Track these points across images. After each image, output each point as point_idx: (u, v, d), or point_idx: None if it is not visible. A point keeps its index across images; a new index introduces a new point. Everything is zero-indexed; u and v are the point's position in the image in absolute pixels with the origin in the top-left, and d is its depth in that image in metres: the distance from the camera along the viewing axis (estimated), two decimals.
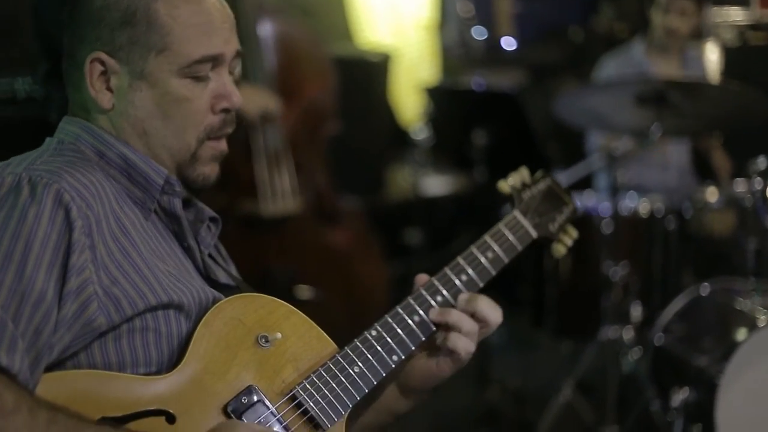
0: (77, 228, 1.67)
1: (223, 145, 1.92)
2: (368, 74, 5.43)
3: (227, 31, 1.89)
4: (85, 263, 1.67)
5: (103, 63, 1.83)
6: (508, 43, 5.32)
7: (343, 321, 4.24)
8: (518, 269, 4.82)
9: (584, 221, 4.25)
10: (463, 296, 2.03)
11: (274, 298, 1.89)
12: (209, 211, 1.99)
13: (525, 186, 2.25)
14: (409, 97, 5.60)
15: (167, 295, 1.75)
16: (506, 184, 2.24)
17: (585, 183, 4.59)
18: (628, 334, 4.15)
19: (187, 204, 1.95)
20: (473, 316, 2.01)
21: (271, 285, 4.02)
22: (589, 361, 4.22)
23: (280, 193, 4.06)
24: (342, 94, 4.46)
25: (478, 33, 5.30)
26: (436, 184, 5.28)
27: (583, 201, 4.34)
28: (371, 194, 5.28)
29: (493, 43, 5.86)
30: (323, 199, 4.23)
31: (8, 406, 1.48)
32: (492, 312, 2.04)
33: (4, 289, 1.58)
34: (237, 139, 4.04)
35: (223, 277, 1.97)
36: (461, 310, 2.01)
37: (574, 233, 2.28)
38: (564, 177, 4.30)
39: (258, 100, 3.91)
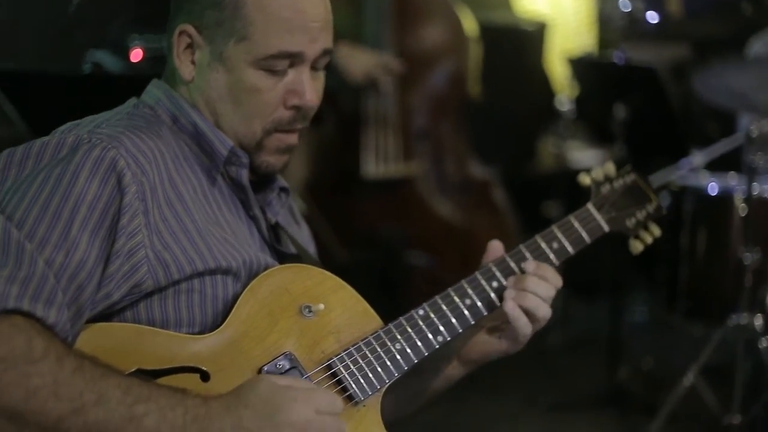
0: (130, 193, 1.74)
1: (291, 139, 1.95)
2: (522, 43, 5.39)
3: (316, 30, 1.90)
4: (137, 227, 1.74)
5: (190, 36, 1.90)
6: (652, 17, 5.19)
7: None
8: (656, 249, 4.73)
9: (721, 203, 4.13)
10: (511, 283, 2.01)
11: (325, 270, 1.93)
12: (280, 181, 2.03)
13: (607, 180, 2.22)
14: (560, 67, 5.52)
15: (215, 261, 1.81)
16: (587, 177, 2.22)
17: (731, 164, 4.44)
18: (759, 321, 4.02)
19: (254, 172, 1.99)
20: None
21: (380, 247, 4.03)
22: (718, 347, 4.12)
23: (388, 156, 4.07)
24: (493, 62, 4.43)
25: (625, 4, 5.17)
26: (581, 157, 5.20)
27: (724, 182, 4.21)
28: (519, 164, 5.24)
29: (647, 14, 5.70)
30: (448, 165, 4.21)
31: (37, 354, 1.56)
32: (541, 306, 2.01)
33: (50, 246, 1.66)
34: (347, 100, 4.10)
35: (289, 247, 2.01)
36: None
37: (656, 231, 2.26)
38: (701, 156, 4.18)
39: (367, 63, 3.92)
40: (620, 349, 4.71)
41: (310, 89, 1.92)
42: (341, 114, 4.13)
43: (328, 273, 1.92)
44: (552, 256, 2.08)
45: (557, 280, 2.03)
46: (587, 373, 4.87)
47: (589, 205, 2.17)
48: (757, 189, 3.96)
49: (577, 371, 4.95)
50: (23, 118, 3.20)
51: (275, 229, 2.03)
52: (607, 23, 5.72)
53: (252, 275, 1.86)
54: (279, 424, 1.63)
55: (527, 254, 2.05)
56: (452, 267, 4.13)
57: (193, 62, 1.91)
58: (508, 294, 2.00)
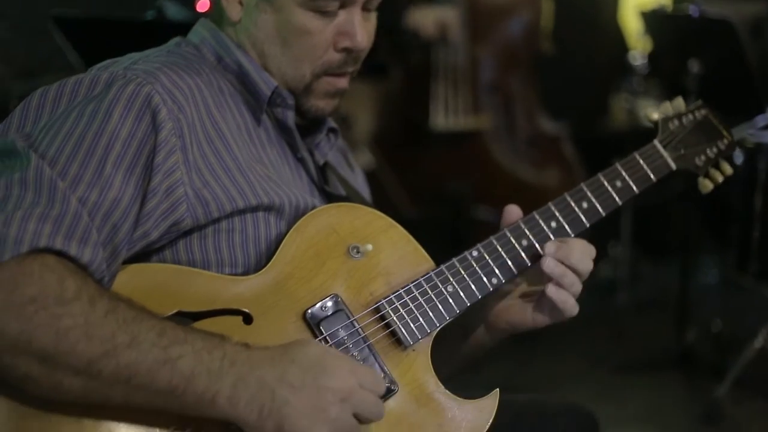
0: (165, 129, 1.69)
1: (341, 83, 1.90)
2: None
3: None
4: (175, 165, 1.69)
5: None
6: None
7: None
8: (728, 209, 4.61)
9: None
10: (551, 246, 1.89)
11: (374, 210, 1.87)
12: (329, 122, 1.98)
13: (676, 115, 2.12)
14: (634, 21, 5.38)
15: (257, 198, 1.76)
16: (655, 113, 2.12)
17: None
18: None
19: (301, 113, 1.93)
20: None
21: (448, 202, 3.96)
22: None
23: (458, 109, 4.00)
24: (565, 15, 4.33)
25: None
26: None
27: None
28: (590, 120, 5.13)
29: None
30: (518, 119, 4.14)
31: (69, 294, 1.51)
32: (582, 260, 1.90)
33: (83, 184, 1.61)
34: (417, 52, 4.03)
35: (338, 189, 1.96)
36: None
37: (728, 170, 2.13)
38: None
39: (435, 17, 3.86)
40: (689, 311, 4.61)
41: (361, 31, 1.86)
42: (410, 66, 4.07)
43: (378, 212, 1.86)
44: (615, 195, 1.99)
45: (592, 251, 1.93)
46: (655, 335, 4.77)
47: (656, 142, 2.06)
48: None
49: (645, 332, 4.85)
50: (86, 64, 3.20)
51: (324, 170, 1.98)
52: None
53: (298, 215, 1.80)
54: (321, 386, 1.57)
55: (588, 193, 1.97)
56: None
57: (240, 2, 1.86)
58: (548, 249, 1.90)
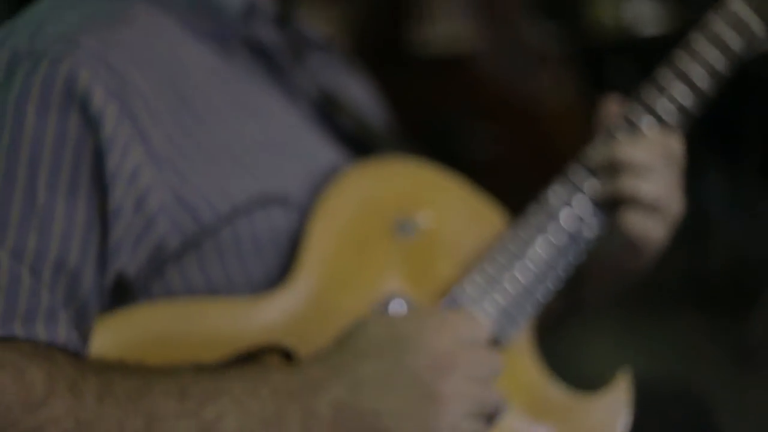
0: (108, 116, 1.17)
1: None
2: None
3: None
4: (137, 164, 1.18)
5: None
6: None
7: (528, 178, 3.74)
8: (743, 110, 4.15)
9: None
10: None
11: (411, 158, 1.39)
12: (316, 35, 1.47)
13: None
14: None
15: (259, 184, 1.27)
16: None
17: None
18: None
19: (283, 24, 1.41)
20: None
21: (437, 130, 3.56)
22: None
23: (443, 27, 3.58)
24: None
25: None
26: (646, 14, 4.64)
27: None
28: (570, 26, 4.65)
29: None
30: (511, 37, 3.72)
31: (38, 392, 1.03)
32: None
33: (11, 227, 1.11)
34: None
35: (344, 122, 1.46)
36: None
37: None
38: None
39: None
40: (704, 233, 4.12)
41: None
42: None
43: (417, 161, 1.38)
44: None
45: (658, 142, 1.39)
46: (666, 263, 4.34)
47: None
48: None
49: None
50: None
51: (324, 96, 1.46)
52: None
53: (315, 189, 1.32)
54: (411, 368, 1.12)
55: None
56: (525, 158, 3.66)
57: None
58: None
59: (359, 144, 1.44)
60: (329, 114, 1.44)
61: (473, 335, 1.17)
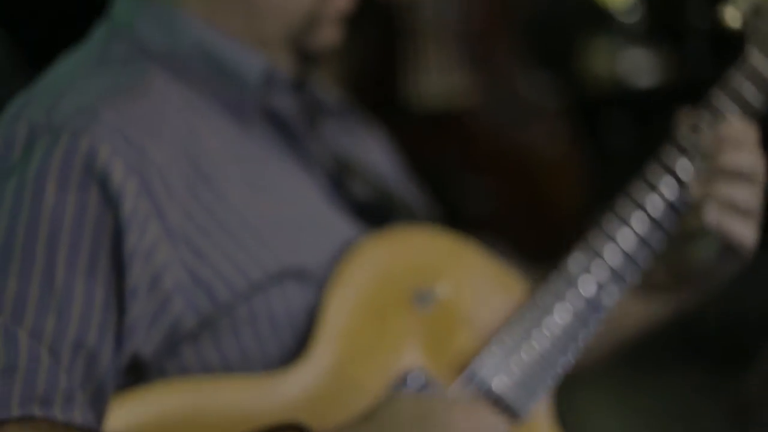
0: (128, 194, 1.15)
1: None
2: None
3: None
4: (154, 241, 1.17)
5: None
6: None
7: (522, 232, 3.71)
8: None
9: None
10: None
11: (431, 226, 1.37)
12: (333, 97, 1.46)
13: (760, 12, 1.54)
14: None
15: (278, 262, 1.24)
16: (735, 11, 1.54)
17: None
18: None
19: (300, 90, 1.40)
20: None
21: (430, 182, 3.53)
22: None
23: (444, 74, 3.56)
24: None
25: None
26: (642, 66, 4.65)
27: None
28: (564, 79, 4.65)
29: None
30: (507, 86, 3.71)
31: None
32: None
33: (31, 307, 1.09)
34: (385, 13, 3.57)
35: (360, 190, 1.44)
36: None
37: None
38: None
39: None
40: None
41: None
42: (380, 30, 3.59)
43: (437, 228, 1.37)
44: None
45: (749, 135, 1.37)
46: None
47: (754, 51, 1.43)
48: None
49: None
50: None
51: (339, 165, 1.44)
52: None
53: (333, 260, 1.29)
54: None
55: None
56: (520, 211, 3.64)
57: None
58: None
59: (376, 212, 1.42)
60: (345, 182, 1.42)
61: (495, 428, 1.17)
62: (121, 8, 1.33)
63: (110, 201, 1.14)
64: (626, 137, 4.45)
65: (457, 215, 3.47)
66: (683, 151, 1.39)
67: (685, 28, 3.81)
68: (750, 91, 1.43)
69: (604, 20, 4.62)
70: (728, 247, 1.35)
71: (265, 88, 1.32)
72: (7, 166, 1.15)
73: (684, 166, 1.37)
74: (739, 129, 1.36)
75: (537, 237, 3.69)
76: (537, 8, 3.92)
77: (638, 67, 4.59)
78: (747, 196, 1.33)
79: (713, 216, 1.32)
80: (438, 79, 3.61)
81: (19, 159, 1.15)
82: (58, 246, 1.11)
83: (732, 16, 1.52)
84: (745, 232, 1.34)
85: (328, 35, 1.36)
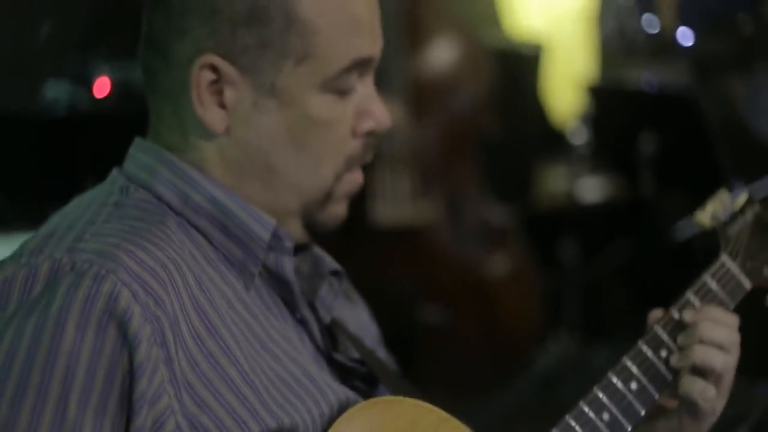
0: (143, 340, 1.22)
1: (360, 177, 1.48)
2: (519, 68, 4.96)
3: (377, 24, 1.43)
4: (161, 387, 1.23)
5: (216, 70, 1.37)
6: (685, 35, 4.78)
7: (480, 351, 3.80)
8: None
9: None
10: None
11: (417, 402, 1.43)
12: (330, 262, 1.52)
13: (732, 217, 1.71)
14: (563, 93, 5.09)
15: (275, 419, 1.30)
16: (706, 215, 1.70)
17: None
18: None
19: (300, 251, 1.48)
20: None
21: (389, 304, 3.60)
22: None
23: (400, 200, 3.63)
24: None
25: (648, 24, 4.79)
26: (593, 189, 4.78)
27: None
28: (518, 200, 4.81)
29: (659, 34, 5.32)
30: (464, 209, 3.79)
31: None
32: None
33: None
34: None
35: (350, 352, 1.52)
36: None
37: None
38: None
39: None
40: None
41: (382, 105, 1.45)
42: None
43: (423, 404, 1.43)
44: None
45: (730, 319, 1.58)
46: None
47: (724, 257, 1.64)
48: None
49: None
50: None
51: (330, 329, 1.52)
52: (606, 43, 5.32)
53: (324, 424, 1.36)
54: None
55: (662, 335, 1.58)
56: (474, 325, 3.72)
57: (222, 105, 1.39)
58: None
59: (364, 376, 1.50)
60: (337, 344, 1.50)
61: None
62: (141, 160, 1.41)
63: (127, 345, 1.21)
64: (578, 257, 4.57)
65: (414, 329, 3.55)
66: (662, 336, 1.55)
67: (631, 153, 3.96)
68: (721, 293, 1.58)
69: (558, 145, 4.76)
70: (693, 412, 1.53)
71: (270, 248, 1.40)
72: (29, 300, 1.21)
73: (663, 345, 1.53)
74: (718, 311, 1.56)
75: (493, 353, 3.78)
76: (494, 134, 4.03)
77: (590, 189, 4.73)
78: (721, 364, 1.51)
79: (688, 386, 1.50)
80: (395, 201, 3.69)
81: (39, 294, 1.22)
82: (73, 384, 1.18)
83: (702, 220, 1.67)
84: (708, 397, 1.52)
85: (337, 211, 1.46)
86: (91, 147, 3.06)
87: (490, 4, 5.33)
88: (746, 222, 1.70)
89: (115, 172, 1.44)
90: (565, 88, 5.17)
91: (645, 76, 3.96)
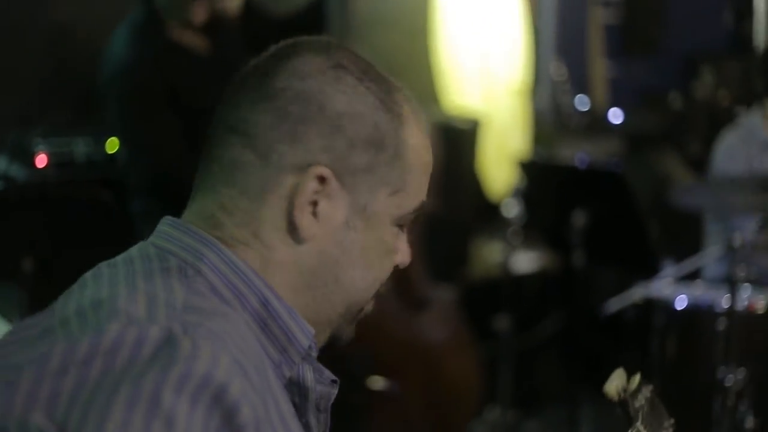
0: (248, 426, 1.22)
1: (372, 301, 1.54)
2: (455, 142, 5.06)
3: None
4: None
5: (323, 181, 1.39)
6: (615, 114, 4.93)
7: (423, 417, 3.87)
8: (618, 359, 4.39)
9: (694, 316, 3.84)
10: None
11: None
12: (328, 372, 1.54)
13: (633, 392, 1.82)
14: (498, 167, 5.21)
15: None
16: (615, 388, 1.80)
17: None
18: None
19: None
20: None
21: (345, 374, 3.64)
22: None
23: None
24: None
25: (580, 102, 4.93)
26: (526, 262, 4.88)
27: (693, 292, 3.92)
28: (454, 273, 4.91)
29: (592, 111, 5.48)
30: (408, 282, 3.86)
31: None
32: None
33: None
34: None
35: None
36: None
37: None
38: (676, 270, 3.90)
39: None
40: None
41: (407, 246, 1.53)
42: None
43: None
44: None
45: None
46: None
47: (640, 427, 1.70)
48: (740, 302, 3.66)
49: None
50: None
51: None
52: (541, 118, 5.47)
53: None
54: None
55: None
56: (418, 392, 3.78)
57: (314, 214, 1.40)
58: None
59: None
60: None
61: None
62: (191, 252, 1.38)
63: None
64: (512, 328, 4.66)
65: (356, 392, 3.60)
66: None
67: (563, 227, 4.06)
68: None
69: (493, 218, 4.87)
70: None
71: (303, 357, 1.42)
72: (140, 361, 1.20)
73: None
74: None
75: (434, 424, 3.85)
76: (434, 207, 4.12)
77: (524, 262, 4.83)
78: None
79: None
80: None
81: (150, 358, 1.20)
82: None
83: (611, 393, 1.78)
84: None
85: (352, 329, 1.52)
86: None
87: (428, 81, 5.46)
88: (645, 398, 1.81)
89: (138, 247, 1.41)
90: (500, 162, 5.29)
91: (577, 153, 4.07)
